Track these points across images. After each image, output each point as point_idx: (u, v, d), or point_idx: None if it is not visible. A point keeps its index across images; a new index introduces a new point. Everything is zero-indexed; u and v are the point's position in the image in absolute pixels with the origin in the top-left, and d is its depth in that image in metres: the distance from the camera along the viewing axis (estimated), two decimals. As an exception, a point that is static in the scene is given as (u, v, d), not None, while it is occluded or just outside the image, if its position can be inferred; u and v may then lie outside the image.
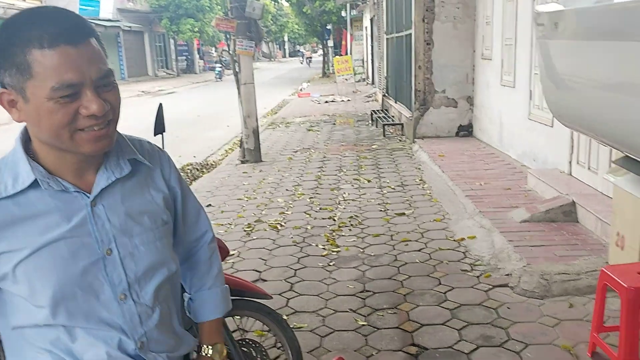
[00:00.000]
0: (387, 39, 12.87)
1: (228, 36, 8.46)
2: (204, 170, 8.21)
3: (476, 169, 6.56)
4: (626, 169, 1.03)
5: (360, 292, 3.70)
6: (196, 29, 35.55)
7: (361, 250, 4.43)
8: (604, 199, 4.38)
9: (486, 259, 4.04)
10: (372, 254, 4.33)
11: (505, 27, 7.00)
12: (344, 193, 6.16)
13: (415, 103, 8.79)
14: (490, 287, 3.62)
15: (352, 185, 6.48)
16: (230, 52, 8.13)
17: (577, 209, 4.49)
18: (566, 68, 1.04)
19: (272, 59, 64.73)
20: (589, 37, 0.91)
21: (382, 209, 5.49)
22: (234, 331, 2.42)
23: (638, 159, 0.95)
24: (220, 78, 31.93)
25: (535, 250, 3.97)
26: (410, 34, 8.96)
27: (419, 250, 4.34)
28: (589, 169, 4.83)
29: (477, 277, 3.79)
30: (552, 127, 5.59)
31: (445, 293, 3.59)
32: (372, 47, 19.39)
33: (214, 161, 8.94)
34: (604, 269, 2.60)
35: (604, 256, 3.66)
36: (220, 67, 33.08)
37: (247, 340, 2.38)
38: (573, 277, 3.49)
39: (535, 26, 1.15)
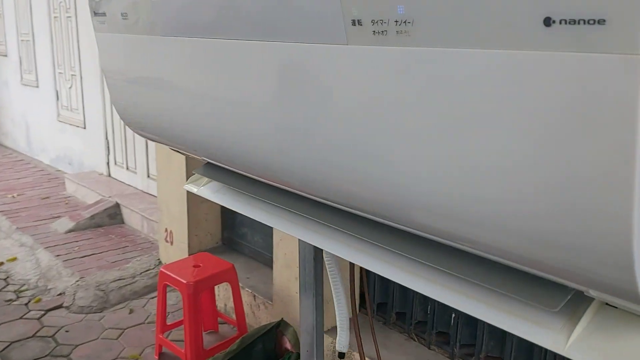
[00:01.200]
0: None
1: None
2: None
3: (6, 179, 5.77)
4: (208, 177, 0.98)
5: None
6: None
7: None
8: (146, 197, 4.52)
9: (33, 281, 3.57)
10: None
11: (20, 21, 6.34)
12: None
13: None
14: (43, 312, 3.21)
15: None
16: None
17: (121, 210, 4.48)
18: (137, 68, 0.90)
19: None
20: (162, 33, 0.79)
21: None
22: None
23: (220, 165, 0.90)
24: None
25: (87, 260, 3.76)
26: None
27: (-58, 289, 3.48)
28: (127, 169, 4.89)
29: (26, 304, 3.30)
30: (84, 128, 5.42)
31: (-13, 334, 2.97)
32: None
33: None
34: (162, 270, 2.63)
35: (155, 254, 3.76)
36: None
37: None
38: (129, 281, 3.45)
39: (92, 16, 0.96)
